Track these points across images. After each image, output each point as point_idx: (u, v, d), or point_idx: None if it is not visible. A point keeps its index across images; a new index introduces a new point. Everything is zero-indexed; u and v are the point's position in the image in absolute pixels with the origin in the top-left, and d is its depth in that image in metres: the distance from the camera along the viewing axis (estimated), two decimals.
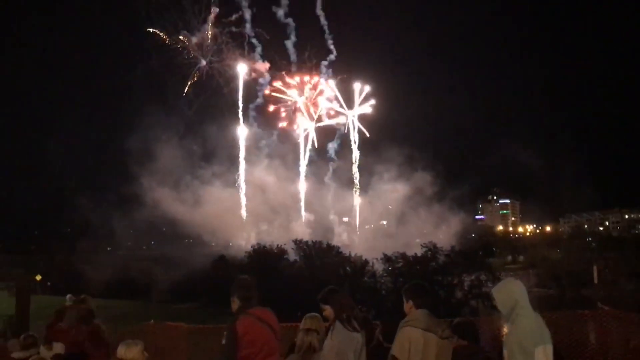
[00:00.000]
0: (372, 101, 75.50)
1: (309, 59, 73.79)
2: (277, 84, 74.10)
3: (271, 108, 74.91)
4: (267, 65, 73.68)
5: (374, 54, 73.11)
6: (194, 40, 71.64)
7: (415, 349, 5.33)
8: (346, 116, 75.83)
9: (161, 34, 69.89)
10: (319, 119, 75.35)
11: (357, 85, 75.16)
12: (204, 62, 72.03)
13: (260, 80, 74.07)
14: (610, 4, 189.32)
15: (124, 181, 66.40)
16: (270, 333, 5.66)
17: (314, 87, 75.40)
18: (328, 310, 5.88)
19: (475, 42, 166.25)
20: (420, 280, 6.94)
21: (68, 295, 9.59)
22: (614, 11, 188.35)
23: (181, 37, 70.92)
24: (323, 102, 75.37)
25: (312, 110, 75.06)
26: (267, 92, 74.36)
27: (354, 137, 76.13)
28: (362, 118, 76.32)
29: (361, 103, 75.62)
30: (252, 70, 73.06)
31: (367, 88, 75.37)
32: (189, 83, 71.73)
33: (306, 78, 74.63)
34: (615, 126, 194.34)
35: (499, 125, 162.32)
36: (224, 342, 5.62)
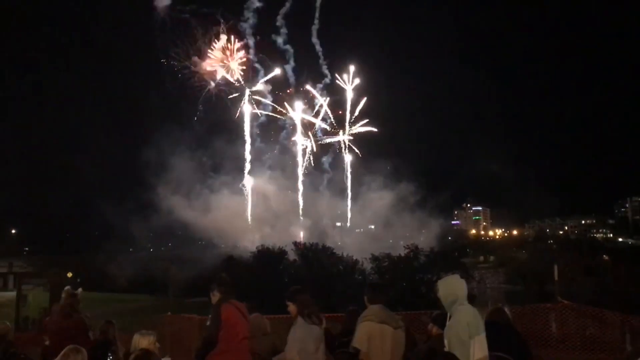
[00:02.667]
0: (365, 121, 75.71)
1: (306, 81, 74.35)
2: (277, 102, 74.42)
3: (273, 125, 75.26)
4: (269, 87, 74.09)
5: (363, 82, 73.30)
6: (204, 65, 71.92)
7: (373, 339, 5.38)
8: (339, 133, 76.07)
9: (174, 61, 70.06)
10: (315, 137, 75.64)
11: (349, 105, 75.46)
12: (212, 85, 72.37)
13: (263, 100, 74.44)
14: (570, 17, 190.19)
15: (144, 190, 66.30)
16: (245, 322, 6.14)
17: (311, 108, 75.78)
18: (292, 307, 5.89)
19: (444, 71, 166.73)
20: (379, 280, 7.10)
21: (66, 287, 9.34)
22: (581, 33, 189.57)
23: (192, 63, 71.17)
24: (318, 122, 75.62)
25: (309, 125, 75.44)
26: (268, 111, 74.62)
27: (346, 153, 76.46)
28: (355, 133, 76.59)
29: (354, 123, 75.85)
30: (255, 91, 73.35)
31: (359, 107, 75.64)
32: (200, 103, 71.97)
33: (303, 100, 74.93)
34: (574, 144, 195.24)
35: (472, 142, 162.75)
36: (208, 323, 6.11)
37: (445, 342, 4.89)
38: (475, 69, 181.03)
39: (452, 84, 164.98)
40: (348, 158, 76.62)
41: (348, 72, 75.02)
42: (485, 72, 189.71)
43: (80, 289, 8.93)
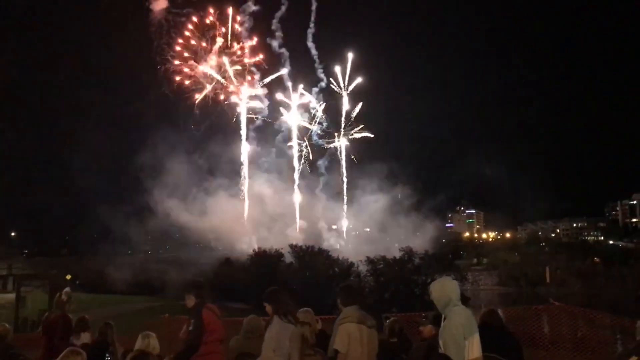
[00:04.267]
0: (360, 127, 75.72)
1: (302, 85, 74.29)
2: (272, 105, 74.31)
3: (269, 129, 75.16)
4: (265, 90, 73.97)
5: (358, 85, 73.38)
6: (201, 68, 71.81)
7: (353, 340, 5.43)
8: (334, 137, 76.15)
9: (171, 64, 69.95)
10: (310, 140, 75.59)
11: (344, 110, 75.52)
12: (209, 88, 72.19)
13: (259, 103, 74.33)
14: (567, 19, 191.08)
15: (142, 193, 66.07)
16: (222, 325, 6.44)
17: (306, 111, 75.77)
18: (268, 307, 5.99)
19: (438, 74, 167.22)
20: (353, 282, 7.14)
21: (65, 290, 9.55)
22: (572, 35, 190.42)
23: (189, 66, 71.03)
24: (314, 126, 75.59)
25: (305, 128, 75.41)
26: (265, 115, 74.54)
27: (342, 157, 76.39)
28: (351, 138, 76.64)
29: (350, 126, 75.89)
30: (252, 95, 73.17)
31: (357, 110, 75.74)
32: (196, 107, 71.67)
33: (298, 102, 74.87)
34: (566, 148, 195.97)
35: (466, 147, 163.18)
36: (191, 328, 6.23)
37: (440, 342, 4.91)
38: (469, 73, 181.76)
39: (446, 88, 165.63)
40: (344, 161, 76.64)
41: (344, 76, 75.04)
42: (480, 76, 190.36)
43: (66, 290, 9.18)
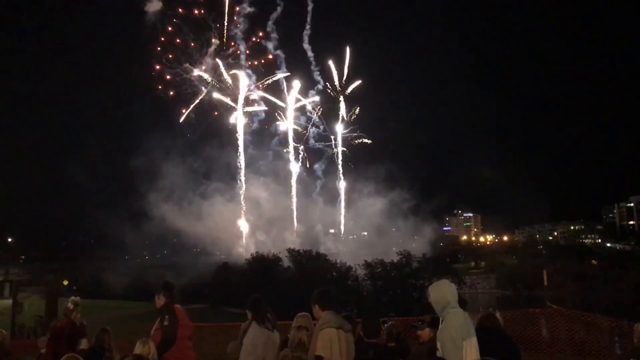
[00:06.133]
0: (357, 133, 75.80)
1: (294, 87, 74.08)
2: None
3: (266, 132, 75.01)
4: (261, 93, 73.65)
5: (355, 88, 73.40)
6: (196, 71, 71.55)
7: (334, 345, 5.53)
8: (332, 140, 76.21)
9: (166, 68, 69.79)
10: (307, 144, 75.55)
11: (342, 113, 75.58)
12: (204, 91, 71.88)
13: (255, 106, 74.05)
14: (563, 22, 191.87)
15: (139, 198, 65.76)
16: (190, 323, 6.94)
17: (303, 114, 75.77)
18: (249, 314, 6.53)
19: (435, 78, 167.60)
20: (328, 288, 7.26)
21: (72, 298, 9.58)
22: (566, 41, 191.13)
23: (184, 69, 70.83)
24: (310, 127, 75.62)
25: (302, 132, 75.39)
26: (261, 118, 74.43)
27: (339, 160, 76.40)
28: (348, 142, 76.76)
29: (346, 130, 76.01)
30: (248, 98, 72.90)
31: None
32: (192, 110, 71.42)
33: (294, 105, 74.74)
34: (562, 151, 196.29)
35: (464, 150, 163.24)
36: (166, 323, 6.70)
37: (438, 345, 4.92)
38: (466, 77, 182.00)
39: (443, 91, 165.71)
40: (341, 165, 76.59)
41: (340, 79, 75.05)
42: (476, 79, 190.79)
43: (73, 298, 9.11)
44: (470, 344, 4.80)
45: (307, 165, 75.81)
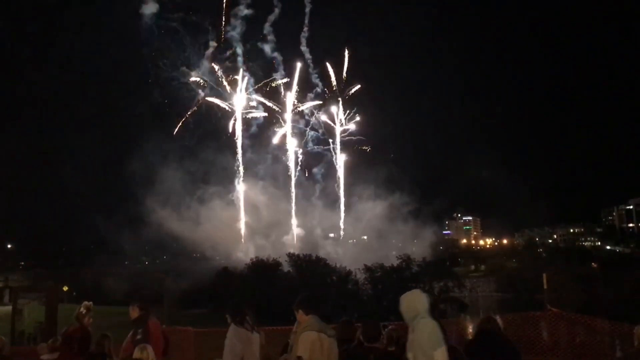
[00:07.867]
0: (355, 136, 75.83)
1: (292, 90, 74.15)
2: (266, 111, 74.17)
3: (264, 135, 75.02)
4: (259, 97, 73.65)
5: (354, 91, 73.39)
6: (193, 75, 71.42)
7: (314, 348, 5.60)
8: (330, 144, 76.24)
9: (163, 72, 69.82)
10: (306, 148, 75.61)
11: (341, 116, 75.62)
12: (202, 95, 71.78)
13: (254, 110, 74.03)
14: (561, 24, 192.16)
15: (138, 204, 65.92)
16: (162, 338, 7.16)
17: (302, 117, 75.83)
18: (228, 318, 6.81)
19: (435, 81, 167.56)
20: (311, 293, 7.45)
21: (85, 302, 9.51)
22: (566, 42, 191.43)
23: (181, 73, 70.85)
24: (309, 131, 75.72)
25: (301, 136, 75.49)
26: (260, 121, 74.44)
27: (338, 164, 76.38)
28: (347, 145, 76.79)
29: (345, 133, 76.05)
30: (246, 101, 72.88)
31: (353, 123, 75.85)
32: (189, 114, 71.42)
33: (293, 109, 74.79)
34: (562, 154, 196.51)
35: (463, 154, 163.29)
36: (139, 337, 6.88)
37: (410, 355, 4.93)
38: (466, 80, 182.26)
39: (442, 94, 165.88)
40: (340, 169, 76.59)
41: (339, 82, 75.10)
42: (475, 83, 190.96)
43: (85, 302, 9.15)
44: (441, 353, 4.83)
45: (306, 170, 75.94)
